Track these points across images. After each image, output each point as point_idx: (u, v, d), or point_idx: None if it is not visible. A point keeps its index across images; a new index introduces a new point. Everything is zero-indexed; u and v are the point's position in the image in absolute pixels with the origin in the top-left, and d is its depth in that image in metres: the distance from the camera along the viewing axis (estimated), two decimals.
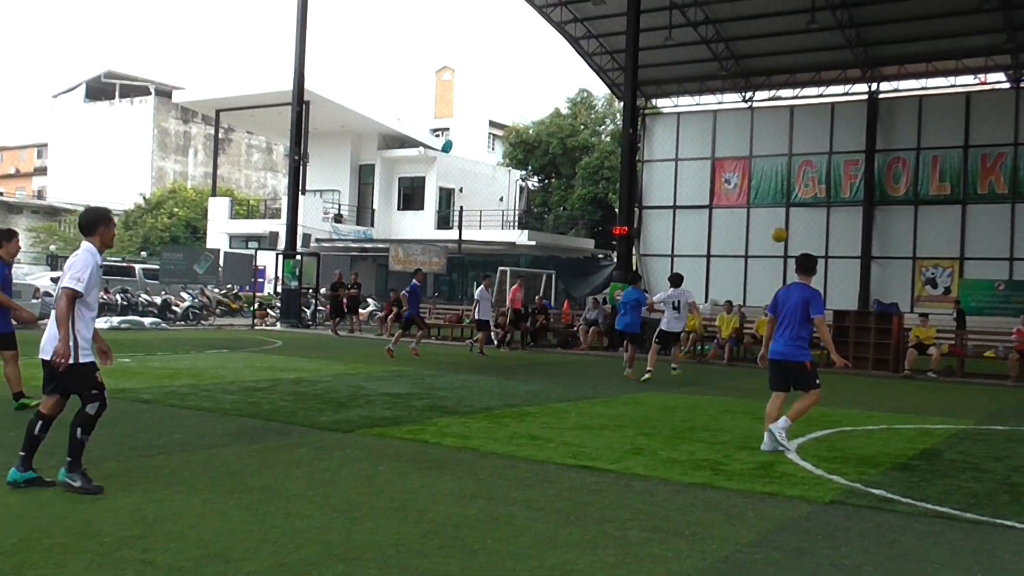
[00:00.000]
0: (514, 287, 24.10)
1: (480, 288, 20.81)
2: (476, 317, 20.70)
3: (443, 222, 45.28)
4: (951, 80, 31.78)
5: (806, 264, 8.66)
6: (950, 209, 31.01)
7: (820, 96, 34.11)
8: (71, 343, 5.71)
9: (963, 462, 8.23)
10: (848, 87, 33.38)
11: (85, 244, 5.98)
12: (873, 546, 5.30)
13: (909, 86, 32.80)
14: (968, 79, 31.97)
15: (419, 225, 45.06)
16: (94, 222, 6.03)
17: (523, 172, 52.56)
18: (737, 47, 32.94)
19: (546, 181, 53.36)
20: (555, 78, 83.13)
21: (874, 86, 32.55)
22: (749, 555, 5.02)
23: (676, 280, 16.09)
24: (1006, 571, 4.93)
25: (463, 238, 39.33)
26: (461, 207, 41.96)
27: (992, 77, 31.87)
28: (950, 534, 5.67)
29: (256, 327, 27.46)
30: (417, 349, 18.88)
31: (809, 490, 6.77)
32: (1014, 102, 30.30)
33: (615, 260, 30.25)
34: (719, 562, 4.88)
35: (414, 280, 19.88)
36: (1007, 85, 31.01)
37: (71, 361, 5.71)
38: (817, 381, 8.30)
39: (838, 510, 6.23)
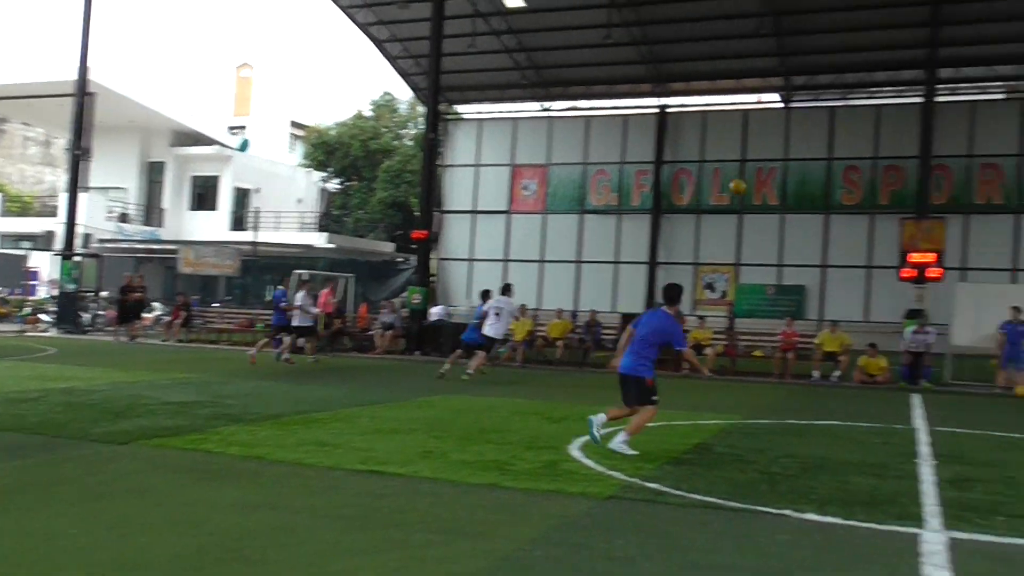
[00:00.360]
0: (325, 291, 23.70)
1: (302, 293, 19.69)
2: (298, 324, 19.46)
3: (238, 223, 43.85)
4: (731, 98, 33.93)
5: (669, 294, 9.10)
6: (728, 218, 33.03)
7: (614, 108, 35.51)
8: None
9: (730, 455, 8.81)
10: (640, 100, 34.93)
11: None
12: (645, 537, 5.57)
13: (694, 102, 34.72)
14: (747, 98, 34.24)
15: (212, 226, 43.42)
16: None
17: (323, 174, 51.71)
18: (538, 58, 33.79)
19: (347, 183, 52.73)
20: (359, 80, 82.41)
21: (663, 100, 34.22)
22: (530, 552, 5.16)
23: (505, 290, 17.34)
24: (761, 553, 5.31)
25: (259, 240, 38.21)
26: (257, 208, 40.78)
27: (767, 97, 34.22)
28: (715, 522, 6.05)
29: (26, 333, 25.60)
30: (291, 357, 18.40)
31: (590, 486, 7.03)
32: (784, 121, 32.69)
33: (414, 264, 30.31)
34: (501, 560, 4.99)
35: (280, 287, 19.59)
36: (780, 105, 33.38)
37: None
38: (654, 398, 8.64)
39: (615, 505, 6.51)
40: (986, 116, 31.55)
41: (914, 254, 23.34)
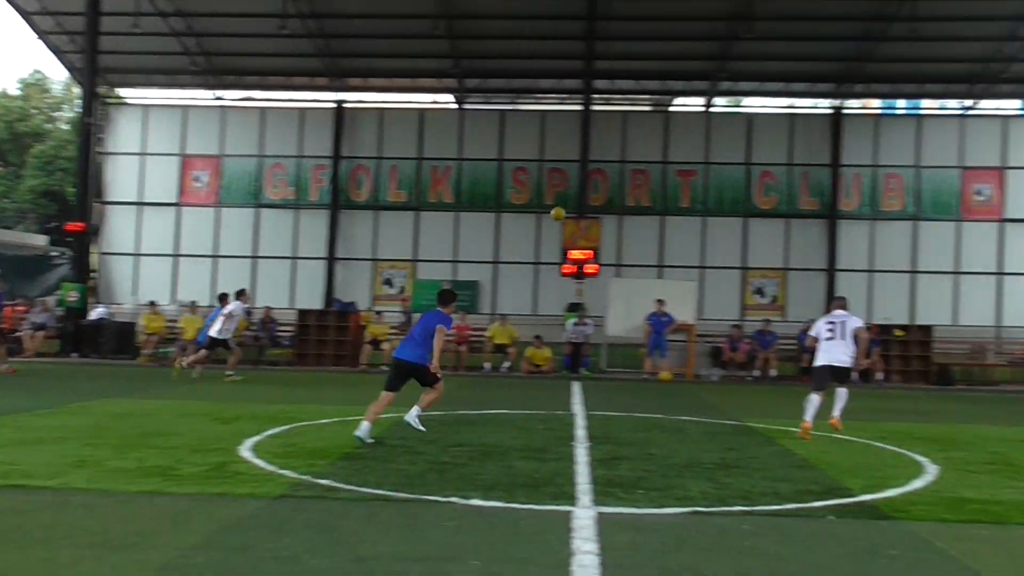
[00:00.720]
0: None
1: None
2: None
3: None
4: (408, 96, 34.53)
5: (443, 298, 10.51)
6: (406, 215, 33.60)
7: (291, 100, 34.84)
8: None
9: (402, 447, 9.01)
10: (317, 94, 34.55)
11: None
12: (314, 534, 5.55)
13: (372, 98, 34.92)
14: (423, 97, 35.01)
15: None
16: None
17: None
18: (209, 44, 32.34)
19: None
20: (4, 55, 74.33)
21: (341, 95, 34.09)
22: (190, 559, 4.96)
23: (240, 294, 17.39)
24: (428, 540, 5.48)
25: None
26: None
27: (443, 97, 35.20)
28: (384, 513, 6.16)
29: None
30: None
31: (259, 487, 6.89)
32: (459, 121, 33.83)
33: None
34: (156, 571, 4.74)
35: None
36: (454, 106, 34.46)
37: None
38: (439, 376, 9.93)
39: (286, 503, 6.42)
40: (636, 126, 34.56)
41: (574, 251, 25.09)
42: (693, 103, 35.42)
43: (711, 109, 35.01)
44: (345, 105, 34.09)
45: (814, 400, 10.96)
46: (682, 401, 15.21)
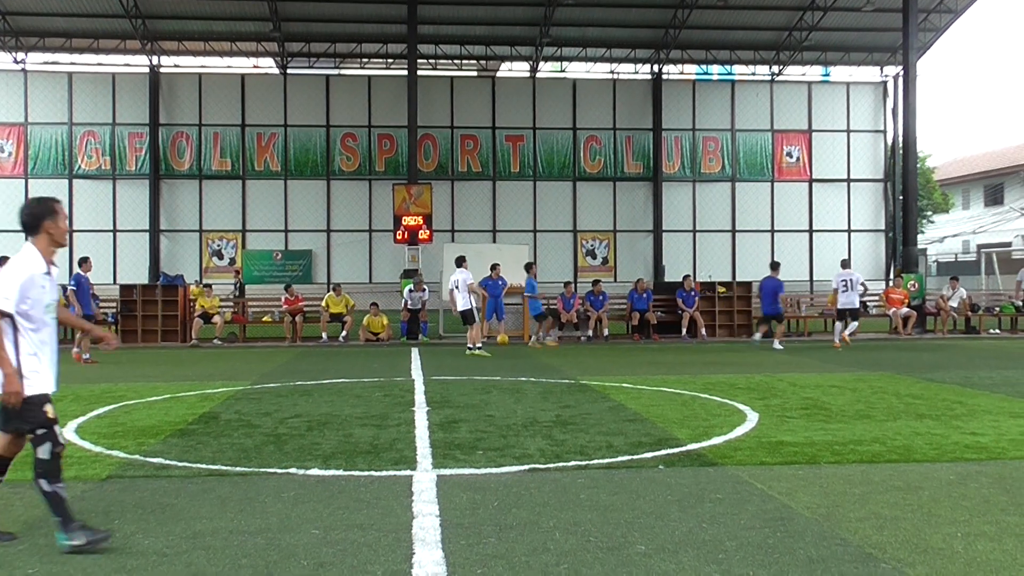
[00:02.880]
0: None
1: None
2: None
3: None
4: (228, 61, 33.27)
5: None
6: (233, 184, 32.53)
7: (101, 65, 32.93)
8: (16, 374, 4.69)
9: (237, 421, 8.78)
10: (129, 58, 32.79)
11: (26, 247, 4.95)
12: (146, 513, 5.35)
13: (190, 63, 33.44)
14: (244, 61, 33.80)
15: None
16: (38, 218, 4.95)
17: None
18: (8, 2, 30.06)
19: None
20: None
21: (156, 60, 32.48)
22: (8, 549, 4.69)
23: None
24: (266, 513, 5.39)
25: None
26: None
27: (265, 62, 34.11)
28: (220, 488, 6.00)
29: None
30: None
31: (85, 469, 6.58)
32: (283, 87, 32.91)
33: None
34: None
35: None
36: (277, 71, 33.47)
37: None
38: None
39: (115, 484, 6.16)
40: (464, 91, 34.62)
41: (406, 217, 24.97)
42: (519, 69, 35.77)
43: (537, 75, 35.46)
44: (161, 70, 32.53)
45: (839, 327, 18.85)
46: (519, 363, 15.47)
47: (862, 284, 19.72)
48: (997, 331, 23.04)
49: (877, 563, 4.41)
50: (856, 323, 19.43)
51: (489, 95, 34.67)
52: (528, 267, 20.26)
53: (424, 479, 6.24)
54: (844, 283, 18.91)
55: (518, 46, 34.23)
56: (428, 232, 25.12)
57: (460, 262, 17.97)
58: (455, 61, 34.75)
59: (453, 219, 33.99)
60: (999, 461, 6.83)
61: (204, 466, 6.66)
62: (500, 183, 34.68)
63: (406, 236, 24.99)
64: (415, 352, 17.73)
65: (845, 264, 19.69)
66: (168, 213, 32.26)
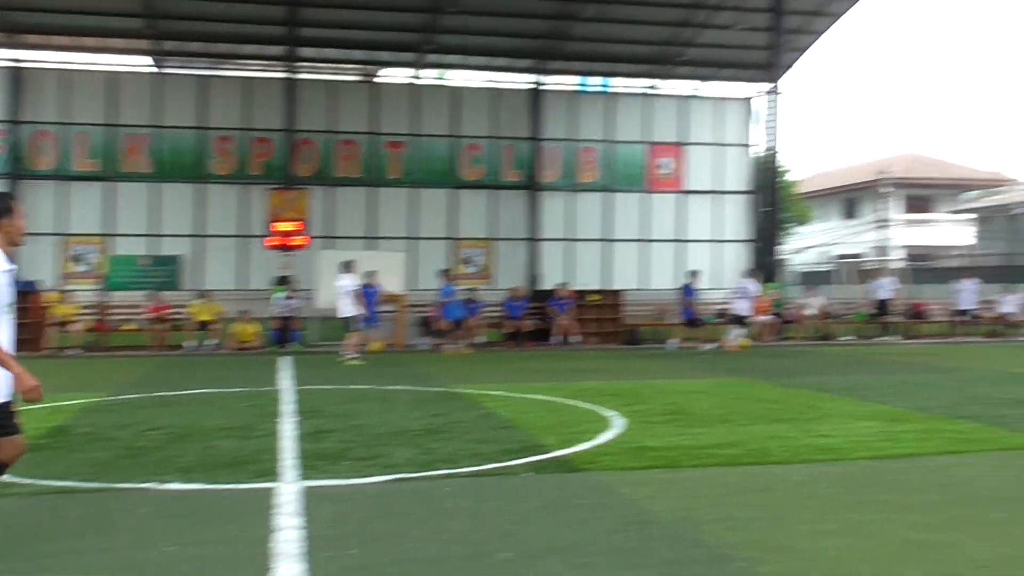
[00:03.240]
0: None
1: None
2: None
3: None
4: (97, 58, 31.93)
5: None
6: (97, 186, 31.25)
7: None
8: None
9: (92, 434, 8.44)
10: None
11: None
12: None
13: (56, 58, 31.96)
14: (115, 59, 32.52)
15: None
16: None
17: None
18: None
19: None
20: None
21: (17, 53, 30.92)
22: None
23: None
24: (118, 531, 5.20)
25: None
26: None
27: (137, 60, 32.87)
28: (69, 507, 5.77)
29: None
30: None
31: None
32: (156, 87, 31.87)
33: None
34: None
35: None
36: (150, 69, 32.35)
37: None
38: None
39: None
40: (344, 96, 34.24)
41: (279, 223, 24.50)
42: (401, 75, 35.61)
43: (418, 81, 35.38)
44: (23, 65, 31.00)
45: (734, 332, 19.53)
46: (392, 371, 15.39)
47: (756, 293, 21.20)
48: (850, 338, 24.19)
49: (729, 562, 4.58)
50: (743, 330, 20.74)
51: (369, 100, 34.35)
52: (446, 272, 20.59)
53: (288, 491, 6.14)
54: (739, 291, 20.47)
55: (400, 52, 34.05)
56: (303, 238, 24.69)
57: (347, 267, 17.78)
58: (336, 65, 34.29)
59: (329, 225, 33.50)
60: (845, 462, 7.19)
61: (53, 483, 6.37)
62: (379, 189, 34.37)
63: (280, 242, 24.51)
64: (285, 361, 17.41)
65: (745, 273, 21.13)
66: (27, 215, 30.73)
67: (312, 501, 5.85)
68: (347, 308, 17.39)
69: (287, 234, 24.37)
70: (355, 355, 17.18)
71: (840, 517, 5.45)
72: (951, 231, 52.71)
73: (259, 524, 5.29)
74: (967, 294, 23.86)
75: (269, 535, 5.03)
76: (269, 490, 6.16)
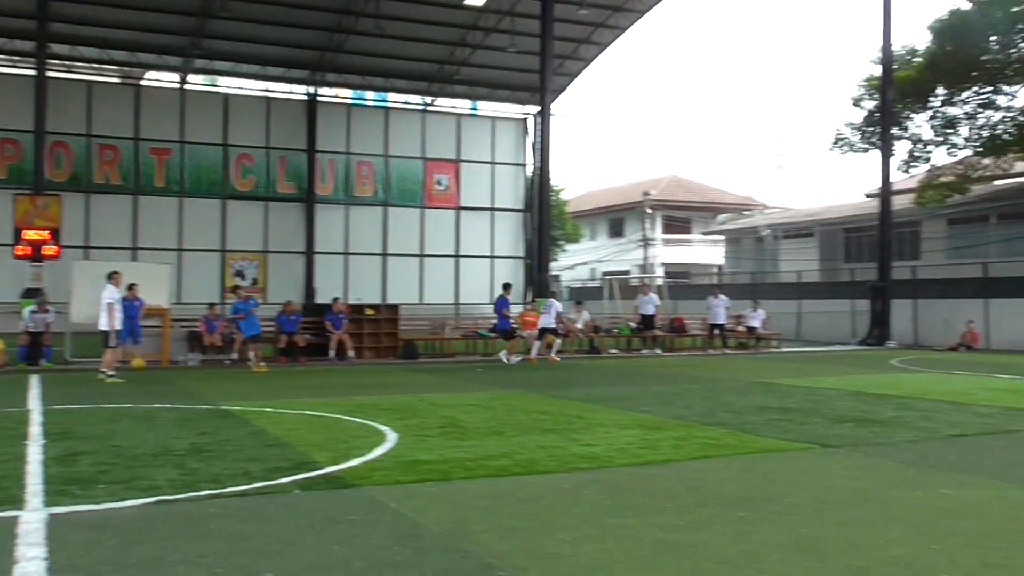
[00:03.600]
0: None
1: None
2: None
3: None
4: None
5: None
6: None
7: None
8: None
9: None
10: None
11: None
12: None
13: None
14: None
15: None
16: None
17: None
18: None
19: None
20: None
21: None
22: None
23: None
24: None
25: None
26: None
27: None
28: None
29: None
30: None
31: None
32: None
33: None
34: None
35: None
36: None
37: None
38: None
39: None
40: (104, 98, 32.36)
41: (29, 231, 22.76)
42: (168, 79, 34.07)
43: (187, 87, 33.98)
44: None
45: (537, 345, 21.36)
46: (156, 388, 14.64)
47: (559, 310, 23.54)
48: (616, 351, 25.41)
49: (496, 571, 4.69)
50: (559, 341, 22.61)
51: (133, 104, 32.62)
52: (235, 288, 20.64)
53: (33, 519, 5.70)
54: (547, 307, 22.58)
55: (166, 55, 32.58)
56: (55, 248, 23.02)
57: (110, 278, 16.73)
58: (95, 65, 32.32)
59: (87, 234, 31.49)
60: (608, 469, 7.55)
61: None
62: (143, 198, 32.69)
63: (29, 251, 22.74)
64: (35, 379, 16.15)
65: (551, 293, 23.53)
66: None
67: (60, 529, 5.46)
68: (105, 322, 16.39)
69: (37, 243, 22.62)
70: (114, 372, 16.20)
71: (601, 522, 5.71)
72: (706, 251, 56.55)
73: None
74: (719, 310, 25.63)
75: (8, 568, 4.65)
76: (10, 519, 5.70)
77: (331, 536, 5.37)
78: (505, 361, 21.11)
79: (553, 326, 22.42)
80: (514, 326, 22.44)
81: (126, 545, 5.15)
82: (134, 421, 10.50)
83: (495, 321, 25.27)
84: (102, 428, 9.89)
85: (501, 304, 22.19)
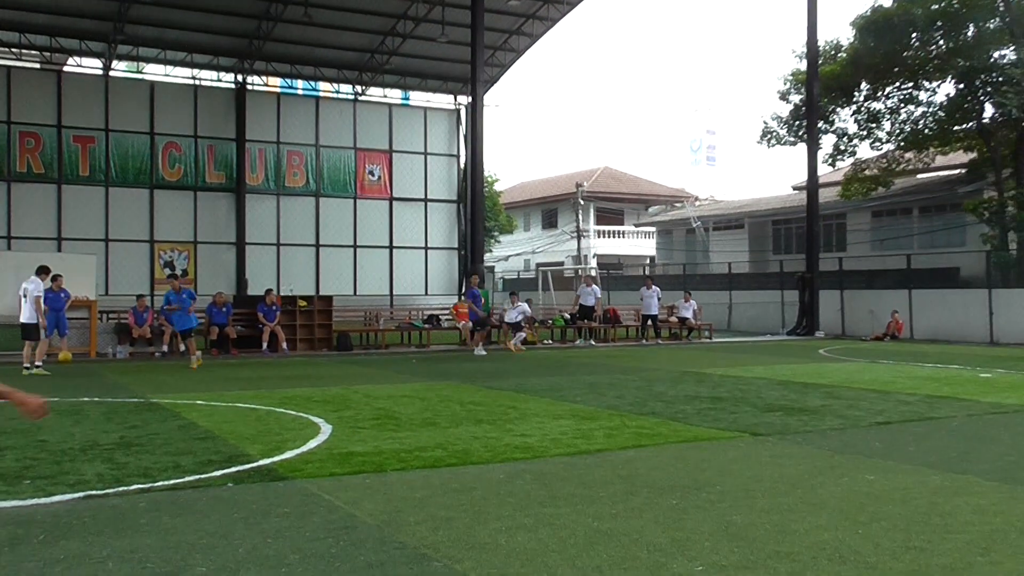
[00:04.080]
0: None
1: None
2: None
3: None
4: None
5: None
6: None
7: None
8: None
9: None
10: None
11: None
12: None
13: None
14: None
15: None
16: None
17: None
18: None
19: None
20: None
21: None
22: None
23: None
24: None
25: None
26: None
27: None
28: None
29: None
30: None
31: None
32: None
33: None
34: None
35: None
36: None
37: None
38: None
39: None
40: (24, 84, 31.44)
41: None
42: (90, 65, 33.21)
43: (111, 73, 33.17)
44: None
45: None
46: (84, 382, 14.32)
47: (527, 302, 24.15)
48: (549, 341, 25.57)
49: (430, 562, 4.71)
50: (522, 334, 23.12)
51: (55, 90, 31.71)
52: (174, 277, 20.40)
53: None
54: (510, 301, 23.77)
55: (88, 41, 31.73)
56: None
57: (40, 271, 16.43)
58: (12, 50, 31.35)
59: (9, 225, 30.58)
60: (542, 459, 7.61)
61: None
62: (67, 187, 31.83)
63: None
64: None
65: (479, 284, 23.72)
66: None
67: None
68: (30, 315, 16.00)
69: None
70: (40, 364, 15.80)
71: (535, 512, 5.77)
72: (638, 242, 57.16)
73: None
74: (651, 301, 25.93)
75: None
76: None
77: (264, 529, 5.34)
78: (478, 353, 21.21)
79: (518, 320, 22.99)
80: (484, 318, 22.80)
81: (53, 541, 5.05)
82: (61, 415, 10.26)
83: (429, 313, 25.28)
84: (27, 422, 9.64)
85: (471, 296, 22.51)
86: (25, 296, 16.14)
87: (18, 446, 8.11)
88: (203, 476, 6.83)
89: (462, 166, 38.31)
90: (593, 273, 38.70)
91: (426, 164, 38.29)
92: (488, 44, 31.19)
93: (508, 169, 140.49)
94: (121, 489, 6.36)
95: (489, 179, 50.53)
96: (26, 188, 31.10)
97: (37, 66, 32.47)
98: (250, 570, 4.56)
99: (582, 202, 53.15)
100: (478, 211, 26.64)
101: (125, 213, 32.74)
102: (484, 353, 21.25)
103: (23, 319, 16.06)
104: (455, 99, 38.87)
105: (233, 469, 7.08)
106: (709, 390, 13.07)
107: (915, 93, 32.41)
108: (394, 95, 38.24)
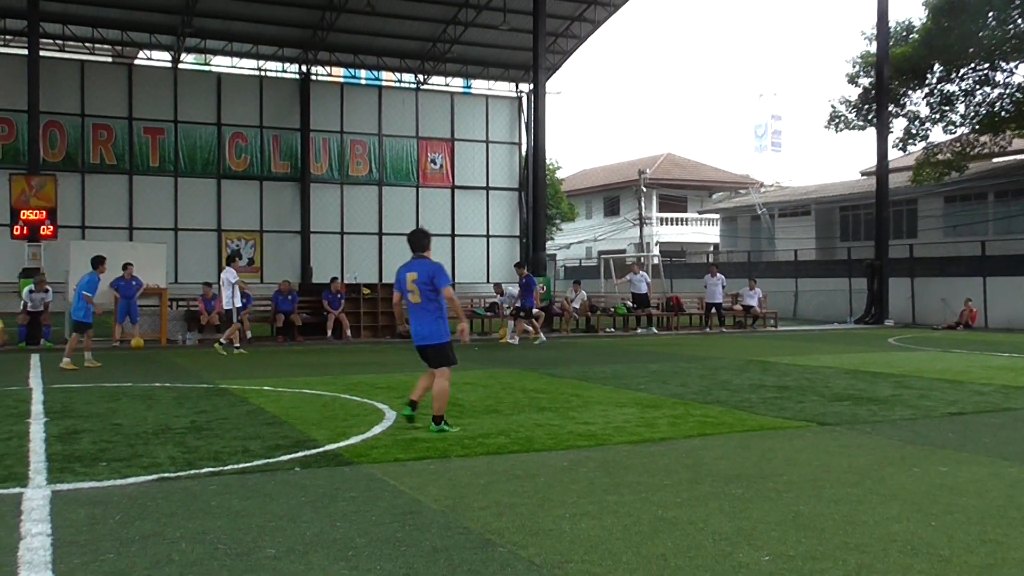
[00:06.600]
0: None
1: None
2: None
3: None
4: None
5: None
6: None
7: None
8: None
9: None
10: None
11: None
12: None
13: None
14: None
15: None
16: None
17: None
18: None
19: None
20: None
21: None
22: None
23: None
24: None
25: None
26: None
27: None
28: None
29: None
30: None
31: None
32: None
33: None
34: None
35: None
36: None
37: None
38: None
39: None
40: (96, 77, 32.19)
41: (26, 211, 22.73)
42: (160, 58, 33.88)
43: (179, 66, 33.80)
44: None
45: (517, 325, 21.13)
46: (155, 367, 14.68)
47: (541, 287, 23.37)
48: (612, 330, 25.46)
49: (495, 548, 4.73)
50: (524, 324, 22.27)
51: (126, 83, 32.44)
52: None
53: (36, 496, 5.75)
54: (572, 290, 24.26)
55: (158, 34, 32.38)
56: (51, 228, 23.00)
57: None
58: (86, 44, 32.14)
59: (84, 215, 31.41)
60: (605, 447, 7.59)
61: None
62: (137, 178, 32.57)
63: (25, 231, 22.72)
64: (35, 358, 16.20)
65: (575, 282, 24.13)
66: None
67: (63, 505, 5.51)
68: (227, 301, 17.87)
69: (33, 223, 22.59)
70: (236, 346, 17.79)
71: (599, 499, 5.76)
72: (702, 229, 56.54)
73: (1, 533, 4.92)
74: (716, 288, 25.66)
75: (14, 544, 4.69)
76: (15, 495, 5.75)
77: (331, 513, 5.41)
78: (541, 340, 21.29)
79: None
80: (540, 307, 22.52)
81: (128, 521, 5.19)
82: (134, 400, 10.53)
83: (492, 300, 25.30)
84: (102, 407, 9.92)
85: (529, 283, 21.90)
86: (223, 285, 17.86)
87: (94, 429, 8.35)
88: (271, 460, 6.95)
89: (523, 154, 38.27)
90: (648, 260, 38.39)
91: (488, 152, 38.33)
92: (550, 31, 31.04)
93: (570, 156, 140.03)
94: (192, 472, 6.51)
95: (551, 167, 50.44)
96: (99, 179, 31.89)
97: (109, 60, 33.23)
98: (318, 553, 4.63)
99: (644, 189, 52.71)
100: (540, 199, 26.59)
101: (193, 203, 33.40)
102: (516, 342, 21.09)
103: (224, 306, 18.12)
104: (516, 87, 38.82)
105: (300, 454, 7.20)
106: (775, 379, 12.89)
107: (991, 74, 31.47)
108: (455, 84, 38.34)
